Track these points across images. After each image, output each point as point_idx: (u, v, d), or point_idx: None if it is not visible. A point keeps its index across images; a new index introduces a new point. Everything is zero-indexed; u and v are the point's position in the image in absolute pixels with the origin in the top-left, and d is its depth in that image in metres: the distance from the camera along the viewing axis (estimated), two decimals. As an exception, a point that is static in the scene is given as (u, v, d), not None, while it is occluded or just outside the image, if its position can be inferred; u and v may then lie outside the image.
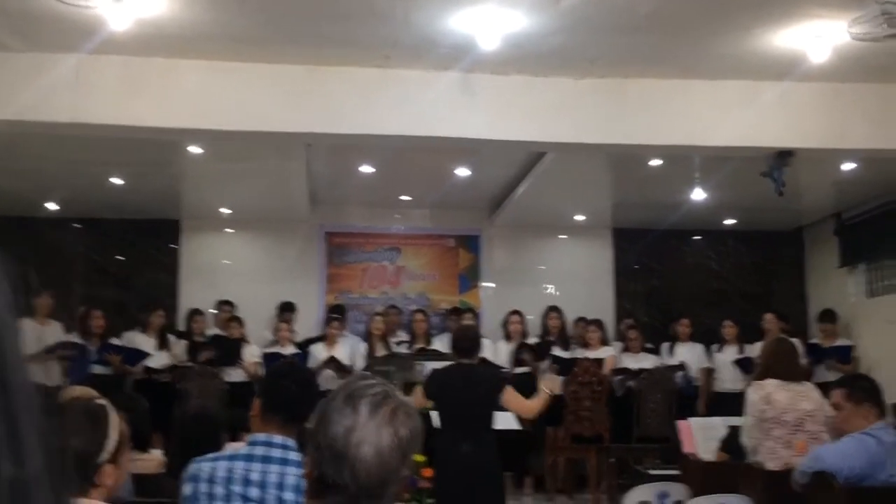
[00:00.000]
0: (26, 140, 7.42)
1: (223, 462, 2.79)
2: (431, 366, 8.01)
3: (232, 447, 3.29)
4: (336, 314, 10.01)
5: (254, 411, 2.93)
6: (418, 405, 5.79)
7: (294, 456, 2.74)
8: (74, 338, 9.00)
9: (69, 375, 8.76)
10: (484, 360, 7.84)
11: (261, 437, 2.83)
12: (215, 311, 10.25)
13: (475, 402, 5.56)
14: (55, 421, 2.54)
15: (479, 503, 5.47)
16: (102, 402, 2.62)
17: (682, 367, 9.56)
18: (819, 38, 5.91)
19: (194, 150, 8.04)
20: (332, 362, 9.04)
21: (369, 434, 1.75)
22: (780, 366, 5.12)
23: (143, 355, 9.03)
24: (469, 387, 5.56)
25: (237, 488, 2.73)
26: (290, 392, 2.91)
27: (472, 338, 5.87)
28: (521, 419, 6.78)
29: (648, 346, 9.95)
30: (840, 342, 9.79)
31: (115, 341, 9.15)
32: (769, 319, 9.67)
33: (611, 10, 5.63)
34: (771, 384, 5.02)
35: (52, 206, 10.29)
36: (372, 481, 1.75)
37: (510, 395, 5.59)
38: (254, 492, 2.72)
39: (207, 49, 6.32)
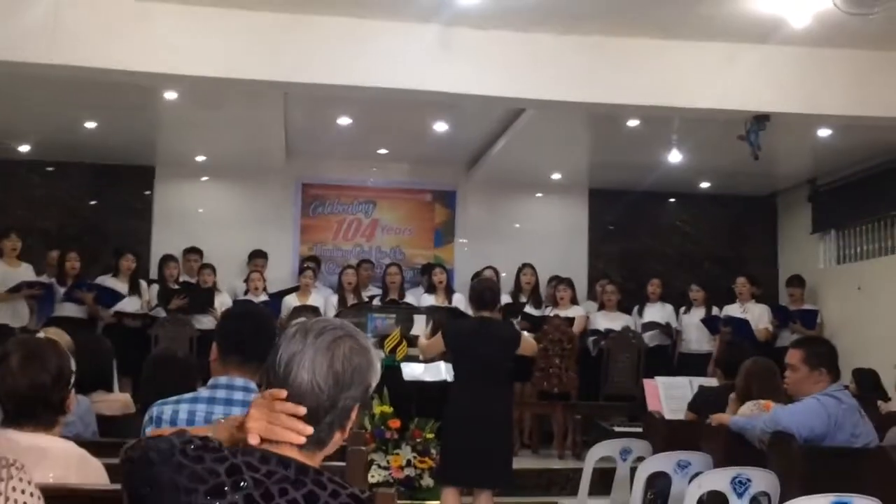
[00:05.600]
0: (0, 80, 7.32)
1: (185, 404, 2.80)
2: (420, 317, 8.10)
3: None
4: (311, 265, 10.00)
5: (213, 356, 2.94)
6: (435, 350, 5.92)
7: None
8: (44, 279, 8.92)
9: (37, 314, 8.71)
10: (455, 311, 7.90)
11: (222, 379, 2.84)
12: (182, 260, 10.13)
13: (496, 356, 5.69)
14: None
15: (489, 455, 5.55)
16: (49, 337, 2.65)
17: (664, 325, 9.64)
18: (799, 2, 5.91)
19: (170, 95, 7.96)
20: (307, 309, 9.02)
21: (306, 359, 1.77)
22: (757, 388, 5.01)
23: (118, 296, 8.96)
24: (491, 341, 5.69)
25: (199, 430, 2.74)
26: (244, 332, 2.91)
27: (493, 290, 6.00)
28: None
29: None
30: (806, 307, 9.92)
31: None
32: (741, 283, 9.76)
33: (593, -33, 5.60)
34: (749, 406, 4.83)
35: (24, 148, 10.17)
36: (305, 406, 1.76)
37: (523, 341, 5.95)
38: (217, 434, 2.73)
39: (185, -7, 6.25)
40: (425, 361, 7.02)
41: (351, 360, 1.80)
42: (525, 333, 6.13)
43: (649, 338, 9.47)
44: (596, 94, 6.93)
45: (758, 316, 9.49)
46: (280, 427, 1.76)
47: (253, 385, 2.82)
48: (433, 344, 5.92)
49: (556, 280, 9.89)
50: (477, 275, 9.54)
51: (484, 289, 5.90)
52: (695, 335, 9.66)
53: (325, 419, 1.78)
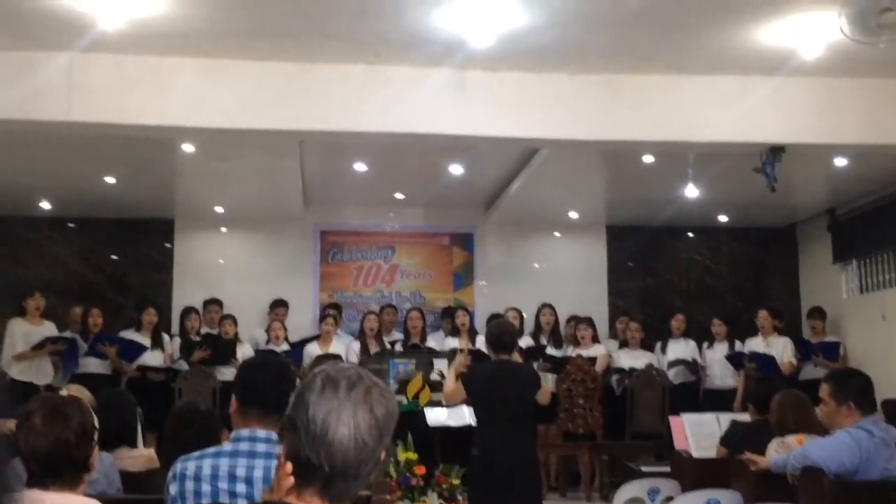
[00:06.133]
0: (19, 139, 7.41)
1: (208, 459, 2.78)
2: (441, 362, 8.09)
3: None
4: (332, 312, 10.00)
5: (232, 408, 2.92)
6: (458, 397, 5.89)
7: (279, 449, 2.72)
8: (67, 335, 8.96)
9: (62, 370, 8.75)
10: (479, 353, 7.88)
11: (244, 432, 2.82)
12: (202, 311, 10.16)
13: (517, 400, 5.66)
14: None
15: (518, 497, 5.51)
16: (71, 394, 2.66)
17: (690, 362, 9.57)
18: (810, 33, 5.92)
19: (187, 148, 8.03)
20: (329, 357, 9.00)
21: (346, 415, 1.74)
22: (794, 419, 4.97)
23: (141, 349, 8.98)
24: (511, 384, 5.68)
25: (223, 485, 2.72)
26: (263, 383, 2.90)
27: (511, 332, 6.02)
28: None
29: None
30: (828, 339, 9.82)
31: (110, 337, 9.11)
32: (763, 316, 9.68)
33: (602, 6, 5.63)
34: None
35: (45, 205, 10.28)
36: (348, 462, 1.73)
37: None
38: (241, 487, 2.71)
39: (199, 47, 6.32)
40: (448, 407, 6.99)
41: (387, 407, 1.80)
42: (548, 379, 6.11)
43: (674, 375, 9.40)
44: (609, 132, 6.94)
45: (781, 349, 9.40)
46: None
47: (275, 436, 2.80)
48: (455, 391, 5.89)
49: (576, 319, 9.85)
50: (494, 317, 9.53)
51: (501, 332, 5.89)
52: (719, 370, 9.57)
53: (364, 471, 1.77)
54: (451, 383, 6.06)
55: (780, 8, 5.67)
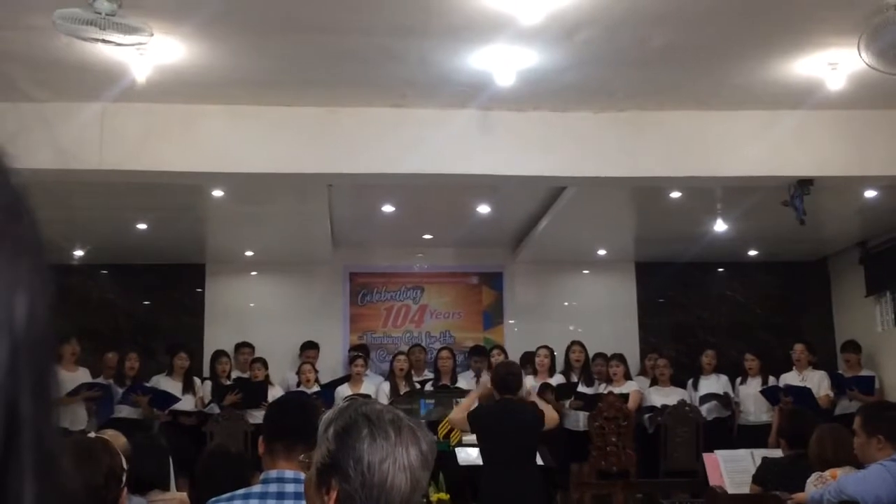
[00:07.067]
0: (53, 188, 7.52)
1: (238, 501, 2.79)
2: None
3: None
4: (360, 353, 10.02)
5: (261, 450, 2.94)
6: (460, 420, 5.97)
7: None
8: (101, 381, 9.05)
9: (96, 416, 8.82)
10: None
11: (273, 473, 2.83)
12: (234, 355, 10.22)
13: (522, 437, 5.72)
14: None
15: None
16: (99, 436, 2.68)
17: (722, 395, 9.49)
18: (834, 66, 5.92)
19: (217, 193, 8.13)
20: (359, 396, 8.99)
21: (400, 459, 1.77)
22: (833, 452, 4.93)
23: (173, 399, 9.04)
24: (515, 422, 5.73)
25: (253, 526, 2.73)
26: (285, 416, 2.94)
27: (516, 374, 6.09)
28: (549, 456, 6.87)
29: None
30: (863, 373, 9.69)
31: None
32: (800, 350, 9.57)
33: (624, 45, 5.67)
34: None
35: (78, 252, 10.40)
36: (404, 502, 1.78)
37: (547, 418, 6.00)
38: (271, 528, 2.72)
39: (227, 94, 6.42)
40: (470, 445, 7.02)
41: (429, 440, 1.84)
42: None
43: (707, 410, 9.31)
44: (635, 169, 6.95)
45: (817, 383, 9.29)
46: None
47: (303, 476, 2.80)
48: (459, 418, 6.05)
49: (602, 357, 9.81)
50: (526, 355, 9.50)
51: (507, 373, 5.97)
52: (753, 406, 9.46)
53: None
54: (461, 411, 6.19)
55: (803, 42, 5.68)
